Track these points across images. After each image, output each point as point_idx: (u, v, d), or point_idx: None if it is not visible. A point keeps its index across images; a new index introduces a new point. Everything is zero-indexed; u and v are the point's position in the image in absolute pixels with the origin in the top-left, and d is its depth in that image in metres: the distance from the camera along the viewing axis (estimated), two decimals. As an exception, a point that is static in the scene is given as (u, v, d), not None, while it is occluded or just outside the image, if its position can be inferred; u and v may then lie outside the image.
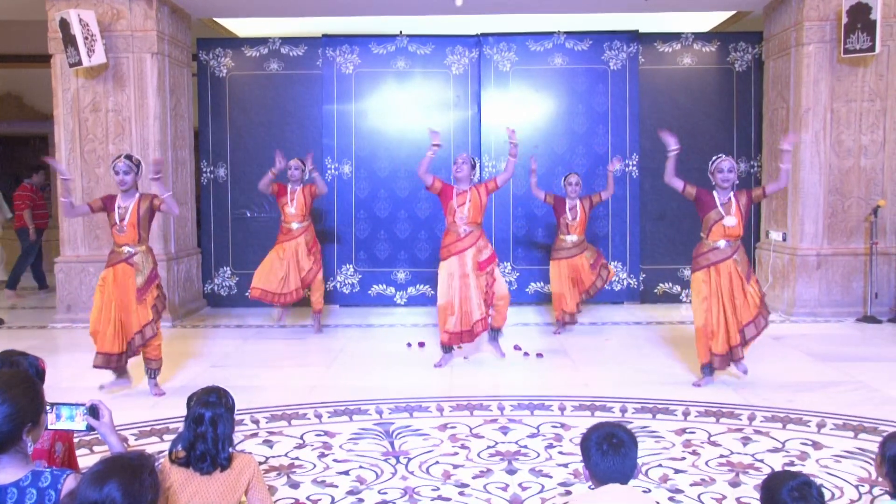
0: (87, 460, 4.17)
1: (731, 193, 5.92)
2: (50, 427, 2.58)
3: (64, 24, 8.11)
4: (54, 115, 8.77)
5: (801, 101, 8.71)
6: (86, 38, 8.13)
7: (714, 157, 6.06)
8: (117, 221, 5.75)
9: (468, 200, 6.64)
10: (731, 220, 5.82)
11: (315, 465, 4.44)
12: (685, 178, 6.14)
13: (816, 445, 4.68)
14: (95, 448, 4.59)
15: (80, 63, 8.19)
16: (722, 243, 5.86)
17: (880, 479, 3.98)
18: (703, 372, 6.05)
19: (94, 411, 2.62)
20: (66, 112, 8.69)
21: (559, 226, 8.00)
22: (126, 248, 5.78)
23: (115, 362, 5.81)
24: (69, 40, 8.14)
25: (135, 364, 6.05)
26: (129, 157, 5.81)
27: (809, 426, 5.04)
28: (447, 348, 6.80)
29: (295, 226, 8.04)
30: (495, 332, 6.96)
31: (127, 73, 8.68)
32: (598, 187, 9.64)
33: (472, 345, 7.00)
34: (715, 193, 5.94)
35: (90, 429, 2.63)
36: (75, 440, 3.44)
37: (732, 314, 5.85)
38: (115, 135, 8.70)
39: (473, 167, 6.80)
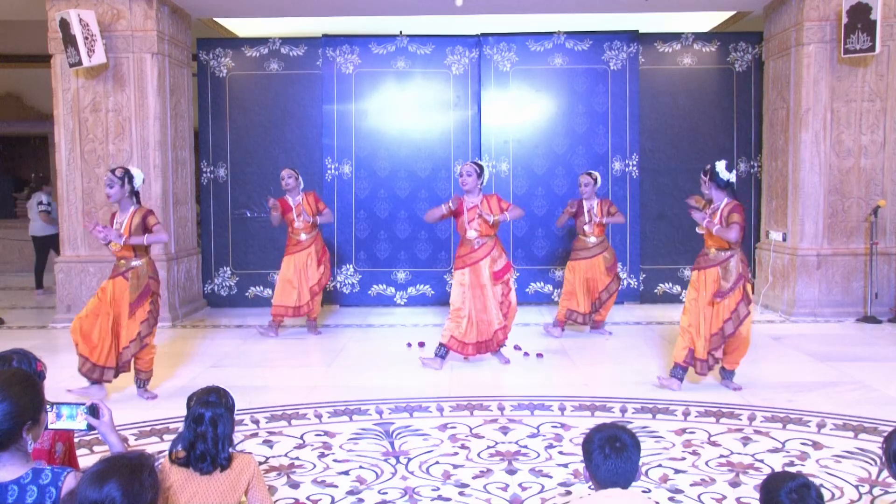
0: (87, 460, 4.17)
1: (724, 204, 5.76)
2: (50, 426, 2.58)
3: (64, 24, 8.11)
4: (54, 116, 8.78)
5: (801, 101, 8.71)
6: (86, 38, 8.13)
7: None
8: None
9: (477, 216, 6.55)
10: (702, 230, 5.83)
11: (315, 465, 4.44)
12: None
13: (816, 446, 4.69)
14: (95, 448, 4.59)
15: (80, 63, 8.19)
16: (712, 251, 5.84)
17: (880, 479, 3.99)
18: (673, 373, 5.94)
19: (94, 410, 2.62)
20: (66, 112, 8.69)
21: (577, 227, 7.93)
22: (123, 262, 5.77)
23: (96, 374, 5.69)
24: (69, 40, 8.14)
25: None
26: (113, 170, 5.78)
27: (809, 426, 5.04)
28: (444, 351, 6.71)
29: (304, 237, 8.01)
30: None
31: (127, 73, 8.68)
32: (598, 188, 9.65)
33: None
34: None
35: (90, 428, 2.63)
36: (75, 440, 3.45)
37: (708, 320, 5.78)
38: (115, 135, 8.71)
39: (480, 175, 6.62)
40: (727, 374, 6.00)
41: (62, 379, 6.10)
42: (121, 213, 5.81)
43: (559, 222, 8.21)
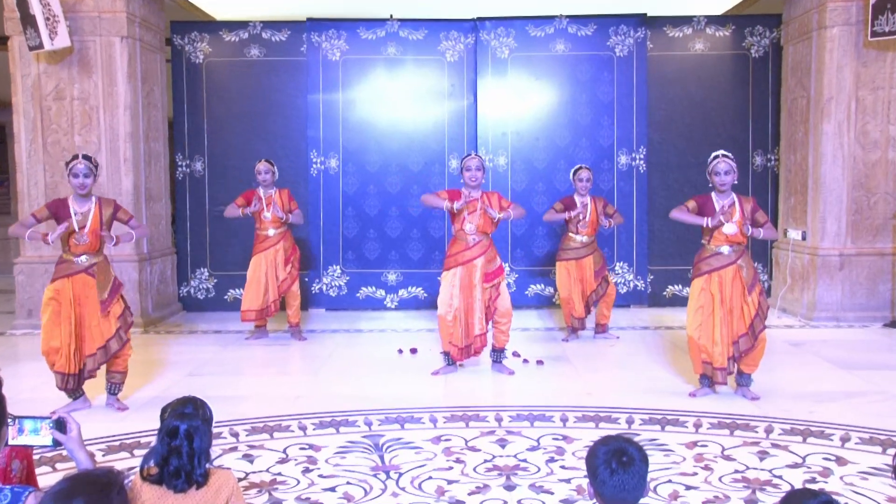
0: (48, 479, 4.15)
1: (735, 197, 5.88)
2: (12, 442, 2.55)
3: (22, 3, 8.01)
4: (13, 104, 8.71)
5: (823, 89, 8.71)
6: (47, 19, 8.05)
7: (712, 157, 5.95)
8: (77, 229, 5.66)
9: (478, 209, 6.59)
10: (731, 228, 5.81)
11: (299, 482, 4.42)
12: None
13: (840, 461, 4.68)
14: (58, 465, 4.56)
15: (41, 46, 8.13)
16: (725, 249, 5.85)
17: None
18: (701, 382, 6.05)
19: (60, 425, 2.60)
20: (25, 100, 8.64)
21: (568, 224, 7.92)
22: (84, 258, 5.70)
23: (72, 383, 5.71)
24: (28, 21, 8.05)
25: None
26: (87, 157, 5.71)
27: (832, 440, 5.04)
28: (451, 360, 6.81)
29: (272, 232, 8.02)
30: (498, 354, 6.90)
31: (94, 57, 8.64)
32: (603, 183, 9.67)
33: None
34: (714, 196, 5.91)
35: (56, 444, 2.61)
36: (36, 457, 3.43)
37: (729, 325, 5.83)
38: (81, 125, 8.67)
39: (485, 170, 6.73)
40: (745, 380, 5.99)
41: (23, 390, 6.08)
42: (81, 204, 5.70)
43: (548, 217, 8.00)
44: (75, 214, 5.68)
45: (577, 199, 7.87)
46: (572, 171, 8.03)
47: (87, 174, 5.66)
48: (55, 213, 5.69)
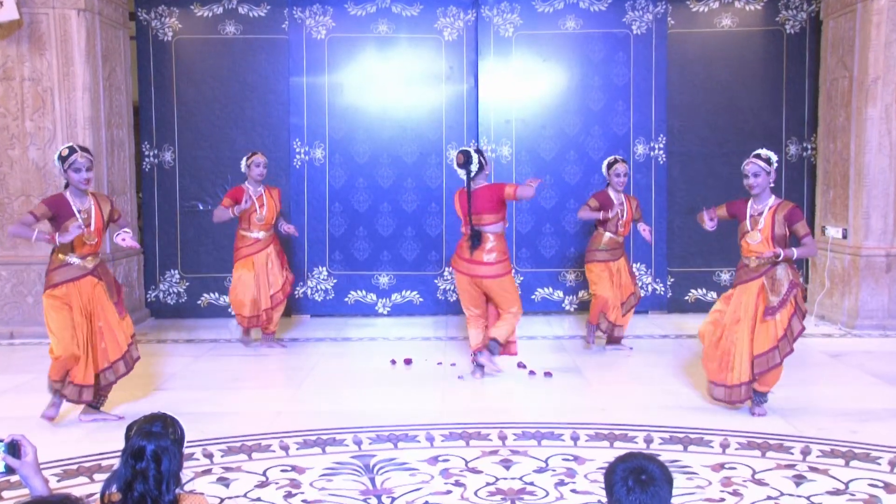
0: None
1: (772, 202, 5.82)
2: (-39, 471, 2.53)
3: (-38, -31, 8.01)
4: (-47, 84, 8.71)
5: (868, 68, 8.69)
6: (-10, -13, 8.05)
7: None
8: (85, 229, 5.68)
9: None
10: (755, 237, 5.80)
11: (279, 508, 4.41)
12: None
13: (889, 488, 4.64)
14: (5, 493, 4.54)
15: (-17, 19, 8.13)
16: (752, 261, 5.83)
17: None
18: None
19: (14, 449, 2.57)
20: (-34, 80, 8.63)
21: (605, 223, 7.76)
22: (90, 258, 5.74)
23: (88, 395, 5.78)
24: (-31, -10, 8.05)
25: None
26: (84, 148, 5.75)
27: (879, 464, 5.01)
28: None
29: (262, 235, 8.04)
30: (494, 343, 6.96)
31: (47, 33, 8.59)
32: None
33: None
34: (750, 202, 5.92)
35: (10, 471, 2.57)
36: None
37: (749, 343, 5.81)
38: (33, 109, 8.63)
39: (469, 161, 6.77)
40: (758, 398, 5.97)
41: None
42: (82, 201, 5.73)
43: (582, 215, 7.90)
44: (79, 213, 5.69)
45: (611, 194, 7.78)
46: (606, 163, 7.87)
47: (90, 167, 5.71)
48: (55, 212, 5.65)
